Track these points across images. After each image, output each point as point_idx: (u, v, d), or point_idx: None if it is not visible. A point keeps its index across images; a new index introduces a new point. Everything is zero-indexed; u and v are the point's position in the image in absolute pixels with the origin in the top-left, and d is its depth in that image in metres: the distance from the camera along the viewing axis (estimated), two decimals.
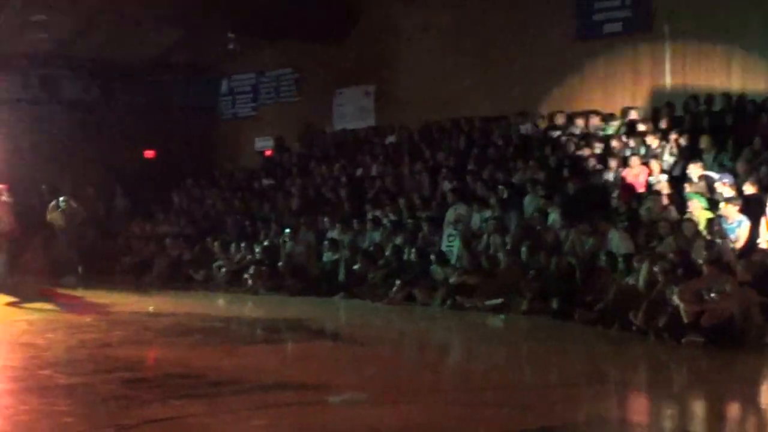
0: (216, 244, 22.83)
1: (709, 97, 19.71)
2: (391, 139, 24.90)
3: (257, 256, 21.43)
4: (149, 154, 29.16)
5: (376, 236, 20.34)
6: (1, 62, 26.28)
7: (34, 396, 10.53)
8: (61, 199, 22.74)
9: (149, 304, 19.04)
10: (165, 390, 10.94)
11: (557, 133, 21.37)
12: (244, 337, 15.51)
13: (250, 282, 20.90)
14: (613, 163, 18.95)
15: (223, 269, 21.97)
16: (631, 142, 19.65)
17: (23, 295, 19.64)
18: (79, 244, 22.72)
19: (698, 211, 16.26)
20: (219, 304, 19.73)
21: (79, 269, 22.19)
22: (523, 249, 17.51)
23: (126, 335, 15.02)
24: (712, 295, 13.23)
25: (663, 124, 19.74)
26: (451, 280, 17.89)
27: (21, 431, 9.16)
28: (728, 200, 15.91)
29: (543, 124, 21.97)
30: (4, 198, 20.89)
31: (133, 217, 25.93)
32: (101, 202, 27.26)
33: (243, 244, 22.20)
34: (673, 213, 16.64)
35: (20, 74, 27.49)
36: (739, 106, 19.30)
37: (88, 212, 25.35)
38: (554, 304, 16.06)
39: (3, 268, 20.75)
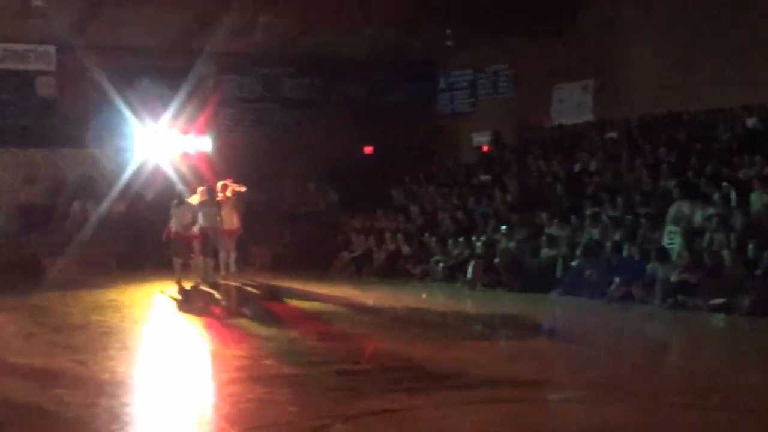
0: (433, 239, 23.00)
1: None
2: (611, 134, 24.53)
3: (476, 251, 21.45)
4: (368, 150, 29.58)
5: (595, 232, 20.08)
6: (227, 62, 27.17)
7: (258, 385, 10.82)
8: None
9: (368, 297, 19.34)
10: (384, 382, 11.08)
11: None
12: (461, 332, 15.52)
13: (467, 277, 20.95)
14: None
15: (441, 264, 22.10)
16: None
17: (246, 289, 20.28)
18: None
19: None
20: (436, 299, 19.83)
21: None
22: (750, 247, 16.98)
23: (346, 328, 15.32)
24: None
25: None
26: (672, 278, 17.48)
27: (246, 419, 9.43)
28: None
29: None
30: (230, 194, 21.39)
31: (352, 212, 26.34)
32: (322, 197, 27.89)
33: (460, 239, 22.28)
34: None
35: (244, 74, 28.35)
36: None
37: (310, 207, 26.06)
38: None
39: (233, 265, 21.33)
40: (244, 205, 21.96)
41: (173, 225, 20.56)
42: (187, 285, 20.22)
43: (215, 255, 21.00)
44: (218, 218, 20.88)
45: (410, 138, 29.03)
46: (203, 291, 19.88)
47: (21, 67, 25.70)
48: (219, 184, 21.45)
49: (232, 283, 20.54)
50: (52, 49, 25.66)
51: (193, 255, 20.97)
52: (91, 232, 23.21)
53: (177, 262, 20.58)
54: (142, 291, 19.74)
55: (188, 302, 18.61)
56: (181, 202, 20.76)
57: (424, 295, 20.05)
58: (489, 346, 14.31)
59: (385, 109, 29.19)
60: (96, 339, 14.26)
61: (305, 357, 12.77)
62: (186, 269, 20.73)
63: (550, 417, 9.64)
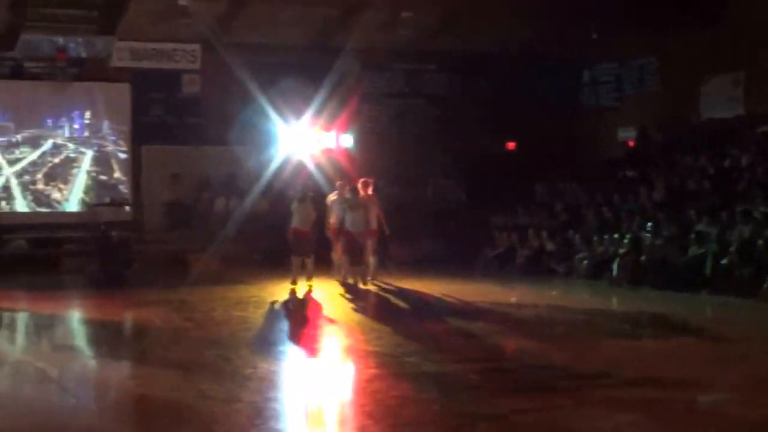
0: (578, 235, 22.76)
1: None
2: (764, 128, 23.89)
3: (622, 248, 21.11)
4: (510, 145, 29.40)
5: (746, 230, 19.56)
6: (369, 59, 27.25)
7: (401, 382, 10.88)
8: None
9: (511, 295, 19.26)
10: (528, 381, 11.09)
11: None
12: (606, 331, 15.32)
13: (612, 274, 20.66)
14: None
15: (585, 261, 21.84)
16: None
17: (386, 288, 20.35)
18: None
19: None
20: (581, 297, 19.59)
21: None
22: None
23: (489, 326, 15.24)
24: None
25: None
26: None
27: (390, 416, 9.47)
28: None
29: None
30: (371, 191, 21.11)
31: (495, 209, 26.20)
32: (462, 193, 27.83)
33: (605, 236, 21.98)
34: None
35: (386, 70, 28.45)
36: None
37: (451, 203, 26.00)
38: None
39: (374, 265, 21.01)
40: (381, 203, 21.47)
41: (294, 221, 20.00)
42: (301, 285, 19.73)
43: (359, 260, 20.44)
44: (364, 221, 20.31)
45: (553, 133, 28.71)
46: (345, 290, 19.91)
47: (167, 65, 26.24)
48: (360, 182, 21.03)
49: (372, 287, 20.44)
50: (197, 47, 26.15)
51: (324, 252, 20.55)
52: (235, 229, 23.55)
53: (295, 260, 19.95)
54: (284, 287, 19.95)
55: (297, 303, 18.43)
56: (304, 198, 20.19)
57: (582, 294, 19.79)
58: (635, 345, 14.11)
59: (528, 103, 28.92)
60: (239, 334, 14.50)
61: (447, 354, 12.81)
62: (304, 268, 20.05)
63: (698, 418, 9.46)
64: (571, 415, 9.47)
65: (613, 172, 26.28)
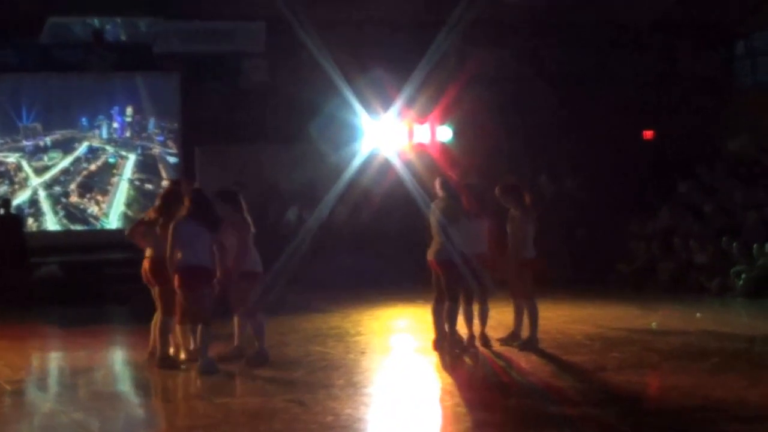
0: (734, 245, 22.42)
1: None
2: None
3: None
4: (648, 135, 29.07)
5: None
6: (473, 35, 26.92)
7: (518, 428, 10.93)
8: None
9: (652, 319, 19.01)
10: (677, 425, 10.97)
11: None
12: None
13: None
14: None
15: (743, 276, 21.51)
16: None
17: None
18: None
19: None
20: (739, 320, 19.32)
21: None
22: None
23: (625, 358, 15.07)
24: None
25: None
26: None
27: None
28: None
29: None
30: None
31: (631, 213, 25.90)
32: (583, 196, 27.52)
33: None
34: None
35: (495, 49, 28.15)
36: None
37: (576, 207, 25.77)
38: None
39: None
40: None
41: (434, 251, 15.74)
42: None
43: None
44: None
45: (701, 118, 28.35)
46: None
47: (226, 48, 26.29)
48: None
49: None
50: (262, 26, 26.16)
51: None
52: (310, 244, 23.45)
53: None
54: (370, 316, 19.86)
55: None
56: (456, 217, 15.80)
57: (742, 316, 19.45)
58: None
59: (670, 83, 28.62)
60: (316, 374, 14.43)
61: (575, 394, 12.68)
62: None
63: None
64: None
65: None
